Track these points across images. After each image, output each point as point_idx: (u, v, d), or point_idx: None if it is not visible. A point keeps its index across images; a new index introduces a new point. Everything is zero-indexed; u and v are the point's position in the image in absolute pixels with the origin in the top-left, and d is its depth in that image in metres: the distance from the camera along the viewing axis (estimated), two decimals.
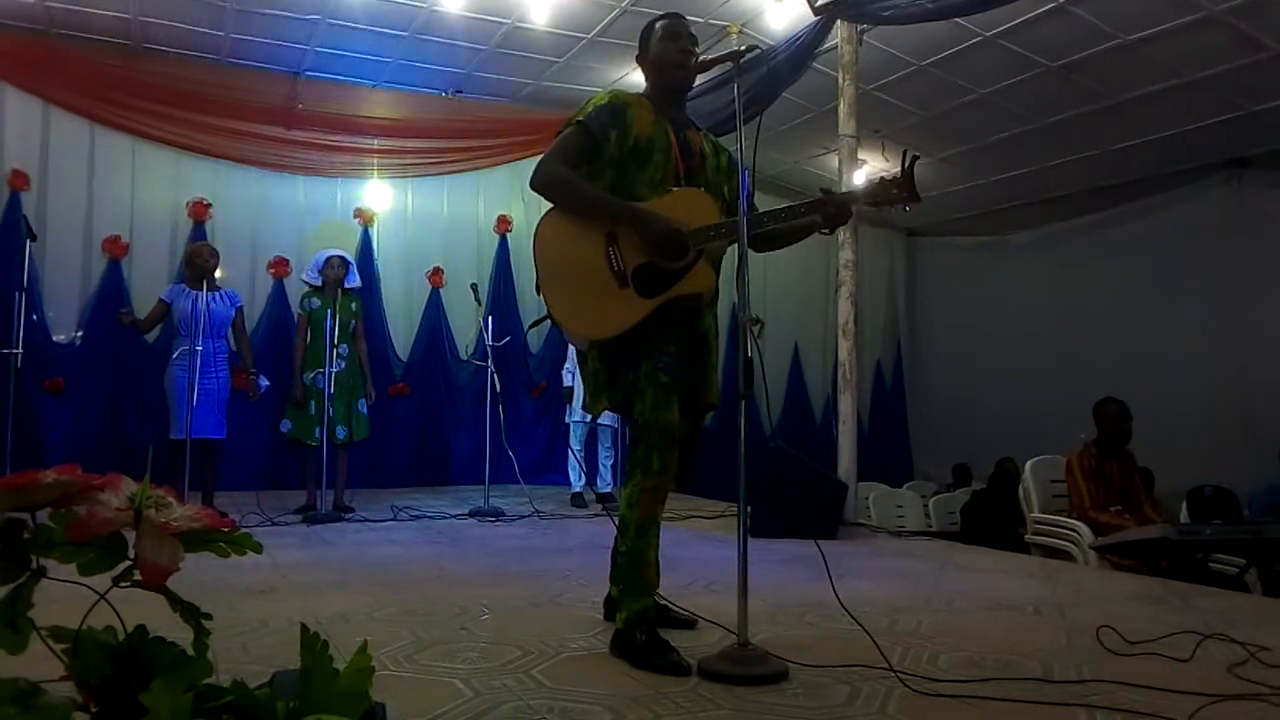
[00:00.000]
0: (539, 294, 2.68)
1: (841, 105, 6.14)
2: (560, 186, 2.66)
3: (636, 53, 2.89)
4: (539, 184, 2.67)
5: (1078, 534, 4.90)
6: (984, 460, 9.33)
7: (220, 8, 6.80)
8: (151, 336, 7.03)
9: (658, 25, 2.84)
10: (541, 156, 2.71)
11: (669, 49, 2.78)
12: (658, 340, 2.62)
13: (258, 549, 0.92)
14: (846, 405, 6.00)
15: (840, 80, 6.18)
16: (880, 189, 2.62)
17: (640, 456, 2.60)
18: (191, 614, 0.88)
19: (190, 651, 0.87)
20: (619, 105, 2.70)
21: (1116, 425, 5.14)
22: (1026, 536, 5.37)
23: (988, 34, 6.65)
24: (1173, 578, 4.10)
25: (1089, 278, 9.74)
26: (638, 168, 2.68)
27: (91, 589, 0.85)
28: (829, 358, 9.65)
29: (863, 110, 6.29)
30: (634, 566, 2.62)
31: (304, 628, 0.90)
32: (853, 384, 6.00)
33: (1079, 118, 7.85)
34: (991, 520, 6.84)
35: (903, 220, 11.39)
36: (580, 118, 2.69)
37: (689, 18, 2.90)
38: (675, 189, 2.70)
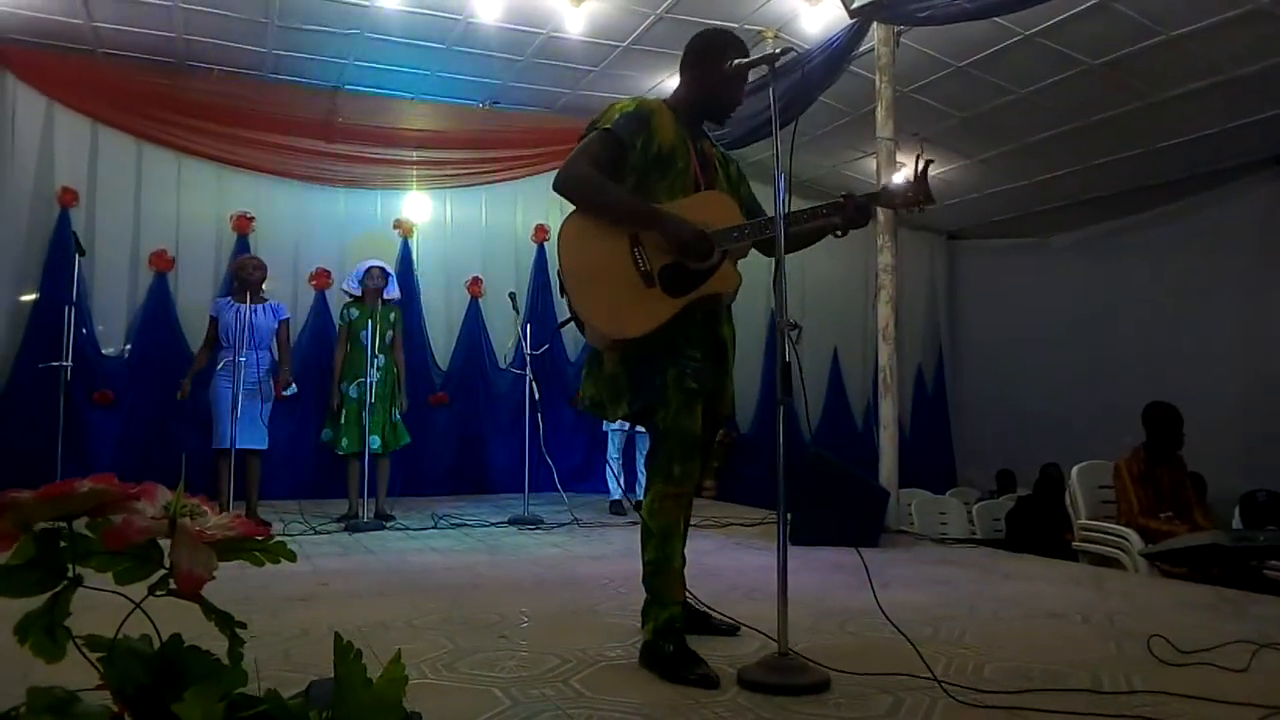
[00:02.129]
0: (563, 295, 2.67)
1: (879, 108, 6.09)
2: (586, 186, 2.62)
3: (690, 60, 2.82)
4: (562, 184, 2.63)
5: (1127, 541, 4.79)
6: (1028, 465, 9.19)
7: (262, 24, 6.91)
8: (198, 348, 7.15)
9: (731, 57, 2.73)
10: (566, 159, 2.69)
11: (733, 93, 2.80)
12: (683, 345, 2.61)
13: (291, 557, 0.92)
14: (888, 410, 5.93)
15: (877, 82, 6.13)
16: (896, 193, 2.66)
17: (661, 464, 2.59)
18: (226, 623, 0.88)
19: (226, 660, 0.87)
20: (645, 113, 2.68)
21: (1168, 430, 5.02)
22: (1074, 543, 5.27)
23: (1027, 33, 6.56)
24: (1225, 585, 3.99)
25: (1132, 279, 9.57)
26: (659, 175, 2.68)
27: (127, 598, 0.85)
28: (869, 362, 9.57)
29: (901, 112, 6.23)
30: (658, 574, 2.60)
31: (338, 637, 0.90)
32: (894, 389, 5.93)
33: (1121, 117, 7.71)
34: (1037, 527, 6.73)
35: (943, 223, 11.27)
36: (607, 124, 2.66)
37: (725, 23, 2.90)
38: (697, 193, 2.70)
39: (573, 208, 2.68)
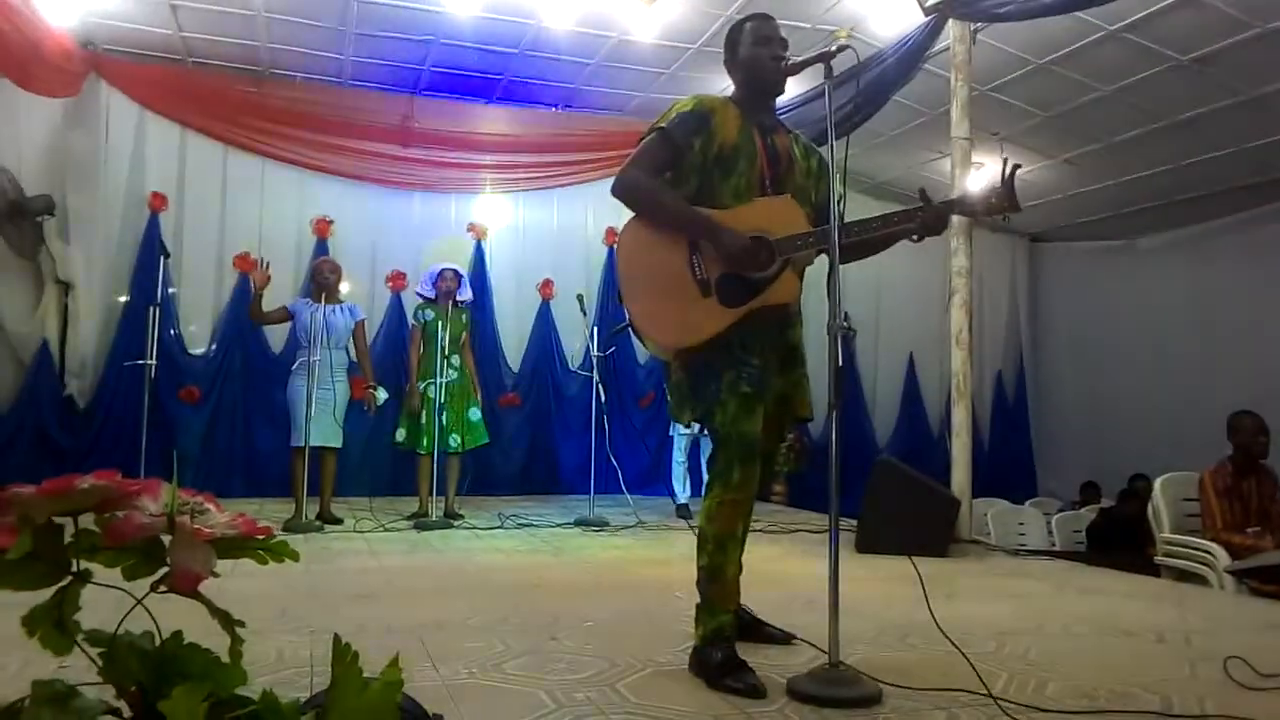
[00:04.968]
0: (620, 303, 2.65)
1: (954, 107, 5.93)
2: (640, 194, 2.61)
3: (726, 57, 2.81)
4: (619, 191, 2.63)
5: (1211, 556, 4.58)
6: (1114, 476, 8.88)
7: (340, 32, 7.09)
8: (278, 348, 7.39)
9: (746, 27, 2.75)
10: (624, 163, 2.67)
11: (761, 54, 2.69)
12: (740, 351, 2.55)
13: (295, 557, 0.92)
14: (960, 417, 5.77)
15: (952, 81, 5.97)
16: (977, 200, 2.54)
17: (720, 469, 2.54)
18: (227, 622, 0.89)
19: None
20: (704, 111, 2.63)
21: (1251, 440, 4.79)
22: (1156, 558, 5.06)
23: (1111, 28, 6.33)
24: None
25: (1225, 283, 9.16)
26: (722, 175, 2.61)
27: (130, 594, 0.87)
28: (945, 368, 9.36)
29: (979, 112, 6.06)
30: (711, 581, 2.55)
31: (336, 638, 0.90)
32: (967, 395, 5.77)
33: (1214, 114, 7.38)
34: (1120, 540, 6.48)
35: (1025, 225, 10.95)
36: (663, 125, 2.62)
37: (797, 24, 2.83)
38: (761, 198, 2.62)
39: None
